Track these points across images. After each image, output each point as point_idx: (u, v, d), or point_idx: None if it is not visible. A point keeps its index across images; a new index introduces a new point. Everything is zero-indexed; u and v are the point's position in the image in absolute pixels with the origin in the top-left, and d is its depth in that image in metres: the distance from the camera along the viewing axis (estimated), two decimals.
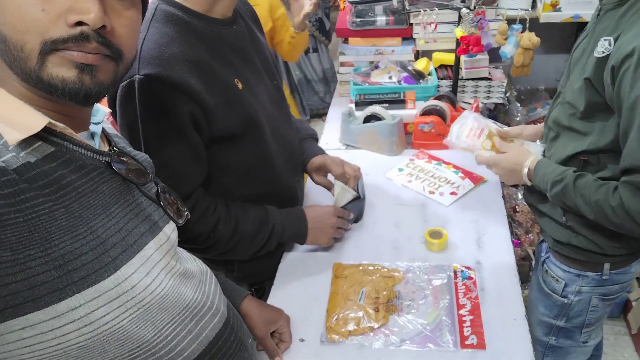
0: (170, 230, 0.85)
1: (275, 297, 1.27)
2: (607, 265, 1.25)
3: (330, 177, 1.49)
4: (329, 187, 1.48)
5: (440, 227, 1.41)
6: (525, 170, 1.25)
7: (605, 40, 1.05)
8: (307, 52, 3.73)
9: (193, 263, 0.90)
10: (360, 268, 1.31)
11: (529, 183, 1.27)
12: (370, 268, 1.30)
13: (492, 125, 1.44)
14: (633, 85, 0.99)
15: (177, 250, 0.88)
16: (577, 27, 2.46)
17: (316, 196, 1.57)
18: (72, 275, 0.64)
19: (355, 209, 1.44)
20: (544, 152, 1.30)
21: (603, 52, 1.05)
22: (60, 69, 0.66)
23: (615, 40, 1.03)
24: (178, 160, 1.11)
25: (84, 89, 0.67)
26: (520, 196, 2.33)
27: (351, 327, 1.15)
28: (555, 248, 1.31)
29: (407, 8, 1.95)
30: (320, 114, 3.98)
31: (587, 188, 1.11)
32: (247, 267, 1.35)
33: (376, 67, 2.04)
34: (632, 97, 0.99)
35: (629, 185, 1.04)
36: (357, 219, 1.47)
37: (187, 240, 1.16)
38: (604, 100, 1.08)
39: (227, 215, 1.21)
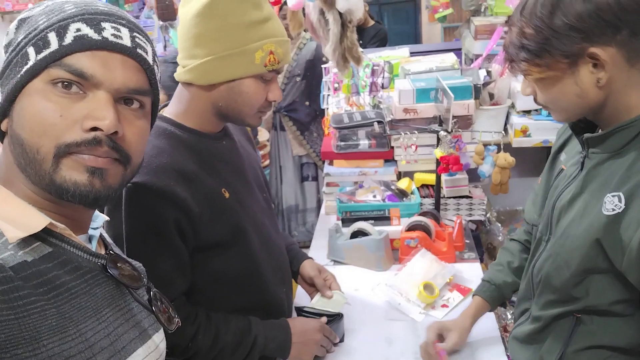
0: (159, 340, 0.83)
1: None
2: None
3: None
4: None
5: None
6: None
7: (613, 196, 0.96)
8: (304, 179, 3.57)
9: None
10: None
11: None
12: None
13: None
14: None
15: None
16: (547, 151, 2.62)
17: None
18: None
19: (338, 330, 1.40)
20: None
21: (613, 210, 0.95)
22: (72, 173, 0.68)
23: (629, 196, 0.94)
24: (161, 268, 1.10)
25: (94, 192, 0.70)
26: (509, 316, 2.29)
27: None
28: None
29: (388, 132, 2.09)
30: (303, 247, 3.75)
31: None
32: None
33: (360, 186, 2.11)
34: None
35: None
36: (341, 340, 1.41)
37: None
38: (608, 262, 0.98)
39: (207, 324, 1.18)
